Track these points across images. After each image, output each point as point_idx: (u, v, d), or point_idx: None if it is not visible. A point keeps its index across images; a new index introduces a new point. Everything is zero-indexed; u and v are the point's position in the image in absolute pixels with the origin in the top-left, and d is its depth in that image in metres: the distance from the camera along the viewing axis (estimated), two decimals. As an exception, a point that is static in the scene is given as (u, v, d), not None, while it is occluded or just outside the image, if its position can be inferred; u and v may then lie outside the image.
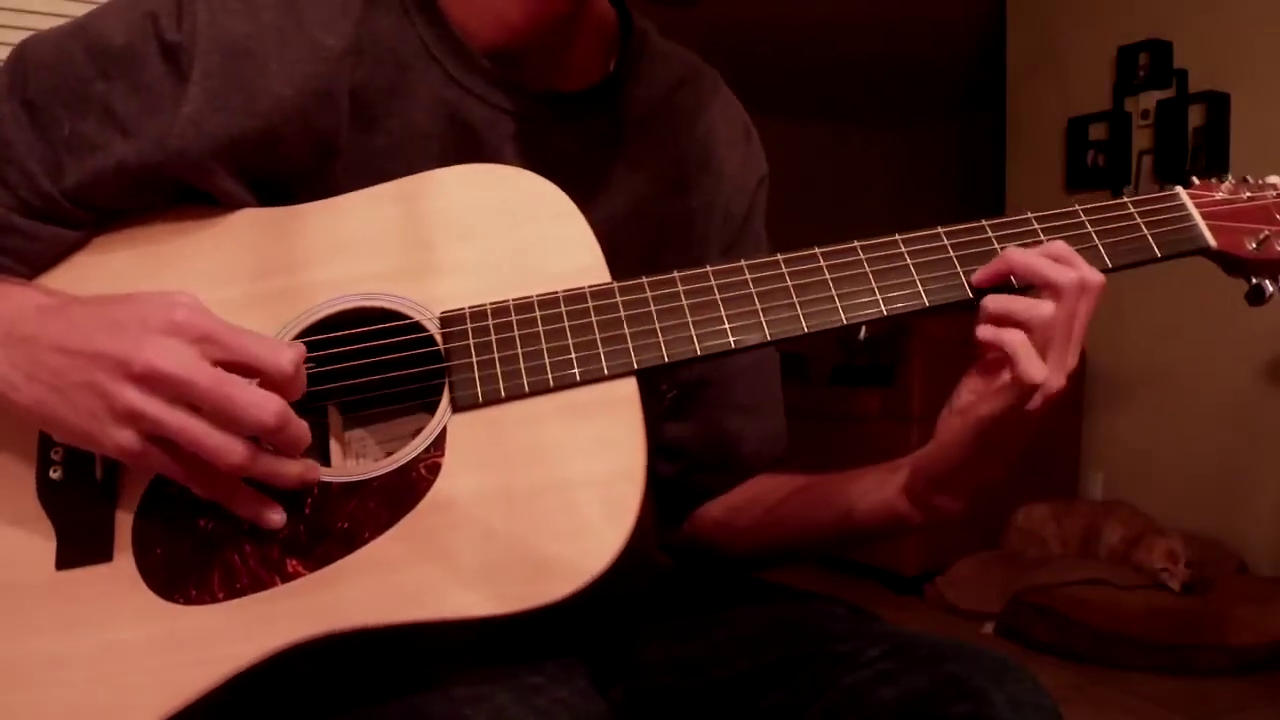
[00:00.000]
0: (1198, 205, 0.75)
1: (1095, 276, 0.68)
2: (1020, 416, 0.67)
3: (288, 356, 0.60)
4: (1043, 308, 0.67)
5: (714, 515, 0.90)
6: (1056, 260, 0.68)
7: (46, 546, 0.64)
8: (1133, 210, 0.74)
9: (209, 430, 0.59)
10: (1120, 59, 3.52)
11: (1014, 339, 0.66)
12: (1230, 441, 3.20)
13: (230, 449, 0.59)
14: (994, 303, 0.68)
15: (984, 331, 0.68)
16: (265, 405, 0.59)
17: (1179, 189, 0.76)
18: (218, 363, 0.59)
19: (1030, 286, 0.69)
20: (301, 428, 0.61)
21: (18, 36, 0.72)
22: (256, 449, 0.60)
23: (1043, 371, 0.66)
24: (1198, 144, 3.27)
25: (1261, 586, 2.88)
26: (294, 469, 0.63)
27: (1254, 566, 3.07)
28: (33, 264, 0.70)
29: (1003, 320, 0.67)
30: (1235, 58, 3.21)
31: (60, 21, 0.72)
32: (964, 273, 0.70)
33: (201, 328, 0.60)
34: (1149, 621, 2.63)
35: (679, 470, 0.89)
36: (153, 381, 0.58)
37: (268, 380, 0.60)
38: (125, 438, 0.59)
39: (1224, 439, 3.22)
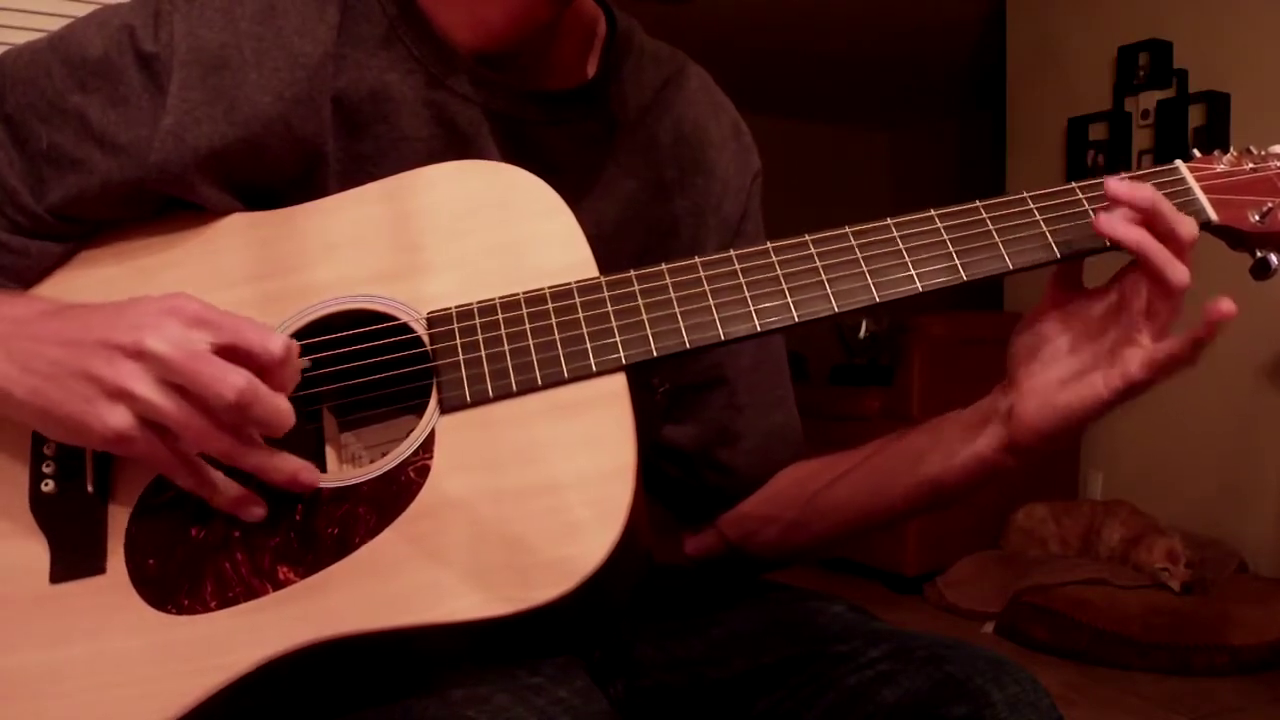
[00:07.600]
0: (1198, 179, 0.72)
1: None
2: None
3: (278, 341, 0.60)
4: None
5: (749, 512, 0.88)
6: None
7: (40, 560, 0.64)
8: None
9: (192, 412, 0.59)
10: (1120, 59, 3.52)
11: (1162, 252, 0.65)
12: (1230, 441, 3.19)
13: (211, 433, 0.59)
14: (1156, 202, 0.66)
15: (1135, 235, 0.65)
16: (227, 378, 0.58)
17: (1179, 162, 0.74)
18: (212, 347, 0.59)
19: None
20: (275, 407, 0.60)
21: (19, 37, 0.72)
22: (244, 438, 0.60)
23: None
24: (1198, 144, 3.27)
25: (1261, 586, 2.87)
26: (284, 465, 0.62)
27: (1254, 566, 3.06)
28: (24, 279, 0.70)
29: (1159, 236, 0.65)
30: (1235, 58, 3.21)
31: (62, 22, 0.72)
32: (956, 253, 0.68)
33: (195, 311, 0.60)
34: (1149, 621, 2.63)
35: (685, 473, 0.88)
36: (142, 359, 0.58)
37: (258, 364, 0.60)
38: (118, 417, 0.59)
39: (1224, 439, 3.21)
